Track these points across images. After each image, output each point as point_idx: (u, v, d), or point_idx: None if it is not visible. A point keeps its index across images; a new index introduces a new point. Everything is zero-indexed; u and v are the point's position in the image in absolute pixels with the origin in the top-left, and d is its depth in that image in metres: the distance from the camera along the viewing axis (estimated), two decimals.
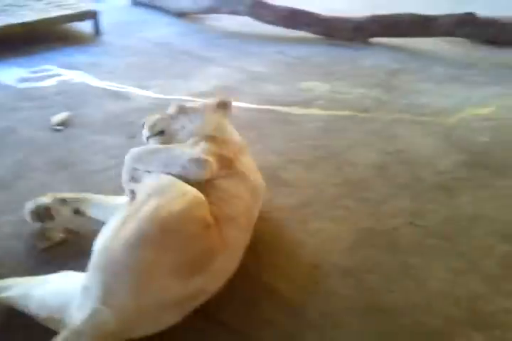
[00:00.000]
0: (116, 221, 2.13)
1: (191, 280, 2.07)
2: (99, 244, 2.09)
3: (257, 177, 2.74)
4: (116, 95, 4.58)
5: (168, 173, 2.40)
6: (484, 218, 2.97)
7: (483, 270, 2.58)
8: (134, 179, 2.48)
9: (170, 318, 2.10)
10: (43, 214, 2.74)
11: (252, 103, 4.46)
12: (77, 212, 2.78)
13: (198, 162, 2.41)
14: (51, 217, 2.75)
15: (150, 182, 2.32)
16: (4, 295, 2.20)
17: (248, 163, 2.73)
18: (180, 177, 2.36)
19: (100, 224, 2.76)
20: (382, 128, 4.04)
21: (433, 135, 3.95)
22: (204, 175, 2.40)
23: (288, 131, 3.94)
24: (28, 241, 2.68)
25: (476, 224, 2.91)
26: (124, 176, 2.52)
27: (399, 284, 2.47)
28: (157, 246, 1.99)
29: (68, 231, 2.73)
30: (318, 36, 6.38)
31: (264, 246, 2.52)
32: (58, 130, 3.85)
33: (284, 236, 2.79)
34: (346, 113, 4.30)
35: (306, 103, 4.49)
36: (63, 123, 3.93)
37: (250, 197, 2.56)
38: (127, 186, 2.48)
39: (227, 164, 2.57)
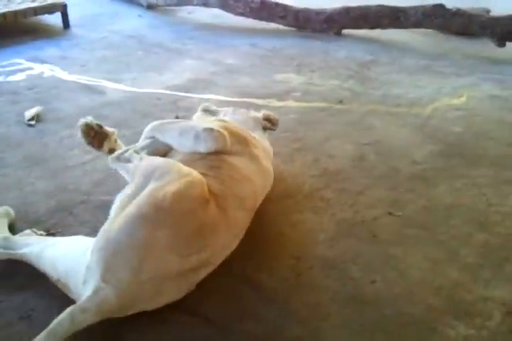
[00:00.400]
0: (116, 205, 2.21)
1: (191, 253, 2.11)
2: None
3: (269, 166, 2.82)
4: (89, 89, 4.51)
5: (181, 144, 2.56)
6: (461, 207, 3.01)
7: (462, 259, 2.61)
8: (125, 159, 2.55)
9: (173, 292, 2.14)
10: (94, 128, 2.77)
11: (226, 96, 4.44)
12: (111, 151, 2.75)
13: (211, 132, 2.52)
14: (103, 136, 2.78)
15: (146, 164, 2.35)
16: (21, 251, 2.30)
17: (263, 154, 2.80)
18: (192, 148, 2.52)
19: (77, 221, 2.76)
20: (357, 120, 4.07)
21: (408, 126, 3.99)
22: (215, 146, 2.50)
23: None
24: None
25: (453, 213, 2.95)
26: (140, 143, 2.69)
27: (380, 274, 2.50)
28: (152, 223, 2.05)
29: (46, 229, 2.68)
30: (290, 28, 6.39)
31: (247, 238, 2.51)
32: (31, 125, 3.78)
33: (266, 228, 2.79)
34: (322, 105, 4.32)
35: (282, 95, 4.49)
36: (36, 118, 3.86)
37: (259, 181, 2.63)
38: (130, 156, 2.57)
39: (241, 140, 2.66)
